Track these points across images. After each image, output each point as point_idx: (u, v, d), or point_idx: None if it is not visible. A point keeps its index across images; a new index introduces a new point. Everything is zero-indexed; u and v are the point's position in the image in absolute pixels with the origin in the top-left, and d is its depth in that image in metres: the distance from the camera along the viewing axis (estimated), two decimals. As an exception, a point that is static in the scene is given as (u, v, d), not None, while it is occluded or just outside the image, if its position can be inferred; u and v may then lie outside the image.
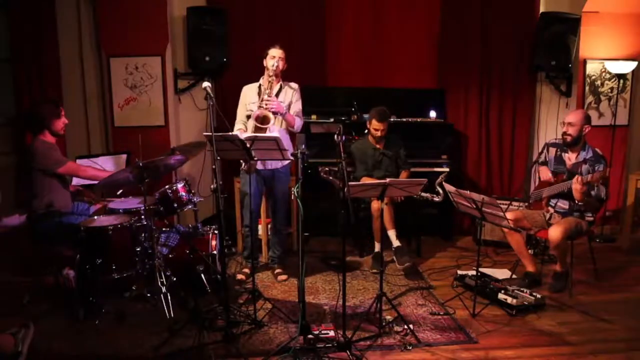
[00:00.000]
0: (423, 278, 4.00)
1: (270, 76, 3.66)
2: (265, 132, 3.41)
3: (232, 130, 3.67)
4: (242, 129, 3.75)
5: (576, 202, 3.53)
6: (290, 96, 3.80)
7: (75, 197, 3.80)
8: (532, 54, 5.08)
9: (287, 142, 3.44)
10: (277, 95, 3.73)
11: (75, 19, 4.73)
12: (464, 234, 5.16)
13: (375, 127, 4.20)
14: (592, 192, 3.51)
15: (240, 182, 3.97)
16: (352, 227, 3.16)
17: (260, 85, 3.76)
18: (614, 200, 5.15)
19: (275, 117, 3.59)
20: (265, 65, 3.71)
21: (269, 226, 4.11)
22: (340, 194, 2.87)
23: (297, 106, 3.83)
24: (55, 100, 3.97)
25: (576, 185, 3.40)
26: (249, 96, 3.79)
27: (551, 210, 3.77)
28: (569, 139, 3.65)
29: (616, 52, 5.04)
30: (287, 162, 3.77)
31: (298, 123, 3.81)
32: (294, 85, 3.87)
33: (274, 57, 3.65)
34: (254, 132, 3.44)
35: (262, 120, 3.49)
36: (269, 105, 3.53)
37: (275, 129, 3.60)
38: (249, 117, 3.70)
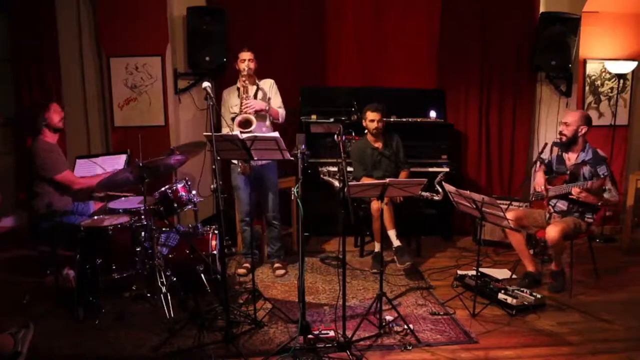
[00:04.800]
0: (423, 278, 4.00)
1: (244, 79, 3.78)
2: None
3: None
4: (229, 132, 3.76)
5: (596, 204, 3.56)
6: (268, 92, 3.93)
7: (78, 194, 3.80)
8: (532, 54, 5.07)
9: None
10: (255, 95, 3.85)
11: (75, 19, 4.72)
12: (464, 234, 5.15)
13: (371, 117, 4.21)
14: (605, 195, 3.51)
15: (232, 177, 4.02)
16: (352, 227, 3.17)
17: (238, 88, 3.87)
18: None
19: (257, 116, 3.73)
20: (238, 68, 3.82)
21: (263, 222, 4.15)
22: (340, 194, 2.87)
23: (277, 99, 4.00)
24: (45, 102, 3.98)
25: (578, 195, 3.44)
26: (230, 99, 3.92)
27: (551, 209, 3.77)
28: (563, 138, 3.68)
29: (616, 52, 5.04)
30: None
31: (282, 113, 3.99)
32: (269, 81, 3.99)
33: (244, 60, 3.79)
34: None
35: (245, 124, 3.65)
36: (249, 108, 3.70)
37: (258, 131, 3.64)
38: (234, 119, 3.75)
